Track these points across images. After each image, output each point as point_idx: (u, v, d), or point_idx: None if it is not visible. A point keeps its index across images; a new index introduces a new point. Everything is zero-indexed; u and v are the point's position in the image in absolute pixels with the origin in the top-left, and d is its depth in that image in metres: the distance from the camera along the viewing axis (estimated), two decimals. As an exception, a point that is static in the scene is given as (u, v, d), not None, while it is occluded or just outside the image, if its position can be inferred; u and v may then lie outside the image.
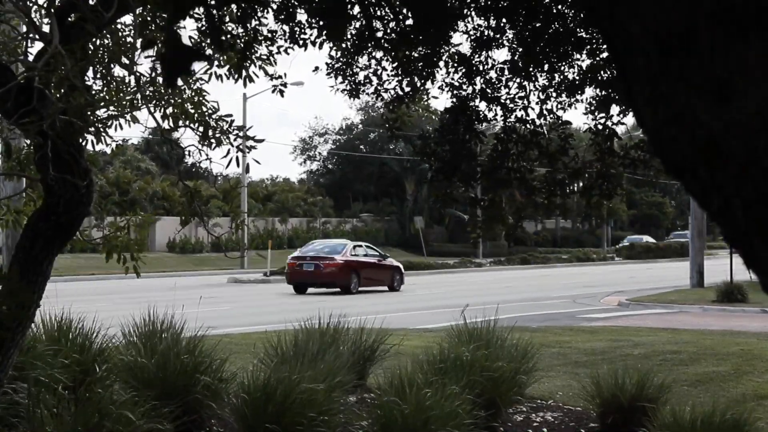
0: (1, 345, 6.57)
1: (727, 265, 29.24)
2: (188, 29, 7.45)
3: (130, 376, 8.98)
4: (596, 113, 10.60)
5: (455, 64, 10.32)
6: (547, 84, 10.47)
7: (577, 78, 10.36)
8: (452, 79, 10.45)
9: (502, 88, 10.47)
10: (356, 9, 9.21)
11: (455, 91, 10.44)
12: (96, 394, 7.78)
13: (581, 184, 11.18)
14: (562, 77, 10.39)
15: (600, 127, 10.60)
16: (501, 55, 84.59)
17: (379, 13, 9.40)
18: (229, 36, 7.92)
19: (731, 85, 1.51)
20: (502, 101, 10.47)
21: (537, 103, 10.57)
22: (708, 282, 33.26)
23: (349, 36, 9.70)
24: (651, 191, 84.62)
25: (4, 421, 7.64)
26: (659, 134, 1.63)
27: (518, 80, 10.38)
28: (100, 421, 7.44)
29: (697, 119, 1.54)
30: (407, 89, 10.34)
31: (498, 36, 10.12)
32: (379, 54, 10.01)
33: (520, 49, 10.12)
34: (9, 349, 6.66)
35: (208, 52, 7.38)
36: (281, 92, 9.18)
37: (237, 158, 6.83)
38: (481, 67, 10.39)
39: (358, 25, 9.51)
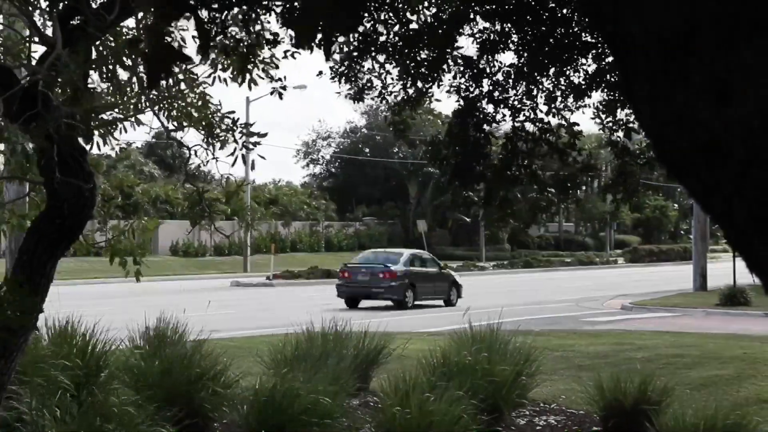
0: (5, 348, 6.56)
1: (730, 268, 29.21)
2: (189, 32, 7.43)
3: (134, 379, 8.98)
4: (603, 116, 10.61)
5: (461, 68, 10.30)
6: (552, 88, 10.47)
7: (584, 83, 10.35)
8: (459, 82, 10.43)
9: (510, 90, 10.46)
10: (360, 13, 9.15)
11: (462, 94, 10.42)
12: (99, 398, 7.79)
13: (598, 180, 11.27)
14: (567, 81, 10.38)
15: (609, 130, 10.63)
16: (507, 58, 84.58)
17: (383, 17, 9.37)
18: (232, 40, 7.90)
19: (731, 85, 1.51)
20: (510, 103, 10.46)
21: (544, 104, 10.58)
22: (711, 285, 33.22)
23: (352, 40, 9.66)
24: (654, 195, 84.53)
25: (7, 424, 7.64)
26: (660, 134, 1.63)
27: (525, 84, 10.37)
28: (103, 425, 7.45)
29: (698, 119, 1.55)
30: (412, 93, 10.31)
31: (504, 40, 10.11)
32: (382, 58, 9.98)
33: (526, 54, 10.11)
34: (12, 352, 6.65)
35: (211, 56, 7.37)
36: (280, 95, 9.13)
37: (243, 155, 6.86)
38: (488, 70, 10.37)
39: (361, 29, 9.47)
